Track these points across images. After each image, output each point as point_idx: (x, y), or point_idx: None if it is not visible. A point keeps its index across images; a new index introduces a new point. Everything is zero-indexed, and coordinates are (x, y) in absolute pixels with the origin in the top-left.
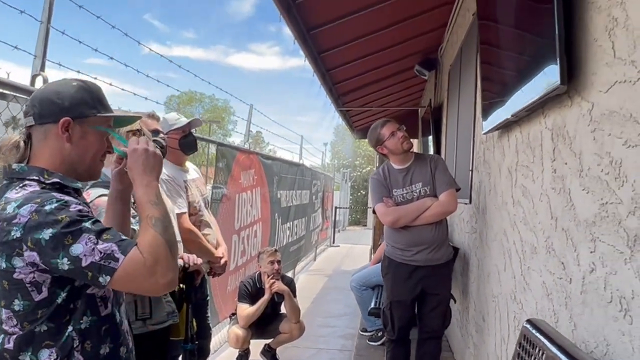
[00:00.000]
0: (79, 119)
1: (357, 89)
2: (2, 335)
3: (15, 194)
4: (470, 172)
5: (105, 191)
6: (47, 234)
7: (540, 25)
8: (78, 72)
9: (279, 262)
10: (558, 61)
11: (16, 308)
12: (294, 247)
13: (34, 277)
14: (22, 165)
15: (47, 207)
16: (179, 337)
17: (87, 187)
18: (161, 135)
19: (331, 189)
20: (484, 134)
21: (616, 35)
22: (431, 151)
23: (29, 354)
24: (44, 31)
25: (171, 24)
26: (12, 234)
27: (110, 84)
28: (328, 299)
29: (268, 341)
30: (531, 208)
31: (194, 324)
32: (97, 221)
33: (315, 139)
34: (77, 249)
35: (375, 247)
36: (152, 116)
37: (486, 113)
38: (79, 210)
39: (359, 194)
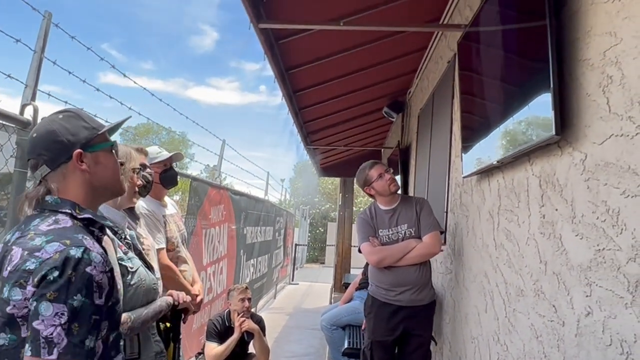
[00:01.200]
0: (86, 146)
1: (325, 127)
2: None
3: (46, 227)
4: (445, 214)
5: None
6: (52, 275)
7: (531, 78)
8: (66, 102)
9: (249, 299)
10: (552, 113)
11: (1, 342)
12: (257, 284)
13: (27, 313)
14: (56, 197)
15: (72, 253)
16: None
17: None
18: (148, 170)
19: (292, 225)
20: (464, 177)
21: (611, 92)
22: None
23: None
24: (37, 60)
25: (130, 54)
26: (28, 264)
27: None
28: (291, 338)
29: None
30: (517, 251)
31: None
32: (92, 303)
33: (273, 175)
34: (47, 309)
35: (336, 286)
36: (141, 150)
37: (465, 157)
38: (89, 278)
39: (318, 231)
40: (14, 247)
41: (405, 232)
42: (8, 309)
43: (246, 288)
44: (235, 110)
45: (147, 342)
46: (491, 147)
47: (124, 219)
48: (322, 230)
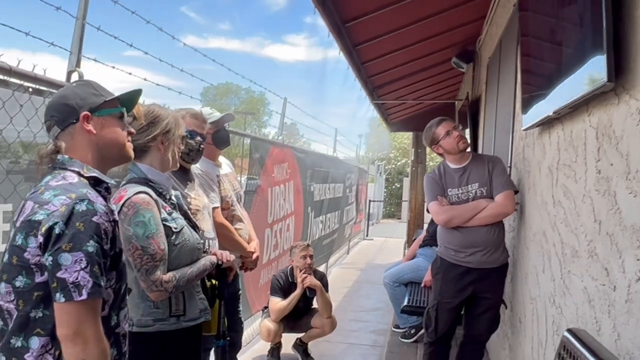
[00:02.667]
0: (93, 110)
1: (392, 81)
2: (2, 315)
3: (55, 182)
4: (509, 169)
5: (141, 188)
6: (59, 227)
7: (587, 18)
8: (113, 67)
9: (311, 256)
10: (605, 57)
11: (17, 284)
12: (326, 240)
13: (39, 260)
14: (66, 157)
15: (77, 207)
16: (210, 333)
17: (123, 183)
18: (198, 138)
19: (365, 181)
20: (524, 130)
21: None
22: None
23: (21, 339)
24: (80, 27)
25: (207, 15)
26: (37, 216)
27: (145, 79)
28: (360, 293)
29: (300, 335)
30: (573, 209)
31: (226, 320)
32: (102, 248)
33: (349, 132)
34: (66, 259)
35: (409, 241)
36: (196, 116)
37: (526, 108)
38: (97, 226)
39: (394, 186)
40: (28, 201)
41: (476, 192)
42: (25, 255)
43: (307, 245)
44: (311, 66)
45: (191, 300)
46: (549, 96)
47: (168, 180)
48: (399, 186)
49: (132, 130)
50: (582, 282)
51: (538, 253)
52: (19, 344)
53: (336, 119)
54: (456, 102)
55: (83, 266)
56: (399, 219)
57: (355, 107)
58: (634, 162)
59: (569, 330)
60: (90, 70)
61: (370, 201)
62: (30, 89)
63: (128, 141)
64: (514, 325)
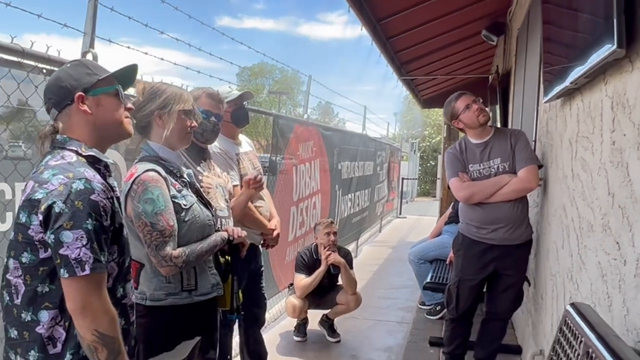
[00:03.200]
0: (88, 90)
1: (420, 56)
2: (9, 290)
3: (54, 162)
4: (534, 143)
5: (151, 166)
6: (58, 206)
7: None
8: (146, 53)
9: (335, 233)
10: (615, 22)
11: (23, 260)
12: (356, 218)
13: (42, 237)
14: (65, 136)
15: (74, 185)
16: (225, 308)
17: (136, 161)
18: (212, 119)
19: (397, 159)
20: (545, 102)
21: None
22: (498, 121)
23: (30, 313)
24: (92, 8)
25: None
26: (37, 195)
27: (175, 63)
28: (390, 271)
29: (326, 311)
30: (590, 182)
31: (240, 295)
32: (101, 225)
33: (383, 109)
34: (67, 236)
35: None
36: (212, 96)
37: (548, 79)
38: (95, 204)
39: (428, 164)
40: (30, 180)
41: (498, 167)
42: (29, 232)
43: (331, 222)
44: (345, 44)
45: (203, 275)
46: (569, 66)
47: (179, 158)
48: (433, 163)
49: (131, 105)
50: (597, 257)
51: (558, 228)
52: (28, 318)
53: (369, 96)
54: (490, 77)
55: (84, 243)
56: (434, 197)
57: (387, 85)
58: None
59: (572, 305)
60: (124, 57)
61: (403, 179)
62: (45, 70)
63: (126, 117)
64: (537, 302)
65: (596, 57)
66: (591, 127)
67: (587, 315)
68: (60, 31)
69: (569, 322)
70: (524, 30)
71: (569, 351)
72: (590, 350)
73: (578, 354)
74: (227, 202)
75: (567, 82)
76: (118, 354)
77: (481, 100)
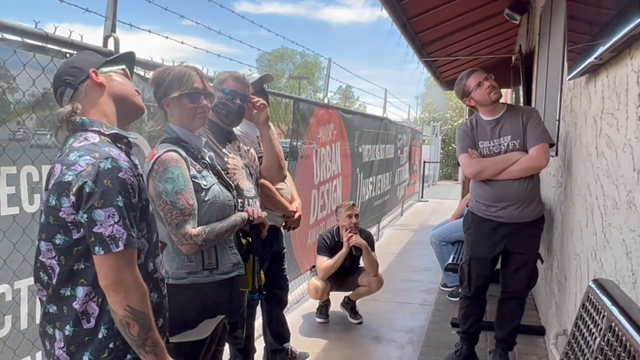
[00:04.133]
0: (98, 69)
1: (442, 37)
2: (46, 271)
3: (78, 144)
4: (557, 123)
5: (172, 147)
6: (89, 186)
7: None
8: (167, 37)
9: (356, 215)
10: None
11: (57, 242)
12: (377, 201)
13: (74, 218)
14: (84, 118)
15: (102, 165)
16: (247, 288)
17: (158, 143)
18: (238, 101)
19: (419, 142)
20: (569, 79)
21: None
22: (521, 102)
23: (69, 289)
24: None
25: None
26: (67, 177)
27: (195, 47)
28: (412, 254)
29: (348, 293)
30: (614, 159)
31: (262, 275)
32: (130, 202)
33: (405, 92)
34: (100, 215)
35: None
36: (237, 78)
37: (572, 56)
38: (123, 181)
39: (450, 147)
40: (56, 164)
41: (508, 144)
42: (60, 214)
43: (353, 205)
44: (365, 27)
45: (223, 253)
46: (593, 41)
47: (199, 139)
48: (455, 146)
49: (137, 88)
50: (621, 235)
51: (582, 207)
52: (68, 293)
53: (391, 80)
54: (513, 57)
55: (116, 220)
56: (456, 180)
57: (409, 68)
58: None
59: (595, 281)
60: (145, 42)
61: (425, 162)
62: (68, 55)
63: (137, 92)
64: (560, 282)
65: (622, 31)
66: (616, 103)
67: (609, 290)
68: (81, 20)
69: (592, 297)
70: (548, 8)
71: (591, 326)
72: (612, 324)
73: (601, 329)
74: (256, 181)
75: (592, 58)
76: (149, 329)
77: (493, 77)
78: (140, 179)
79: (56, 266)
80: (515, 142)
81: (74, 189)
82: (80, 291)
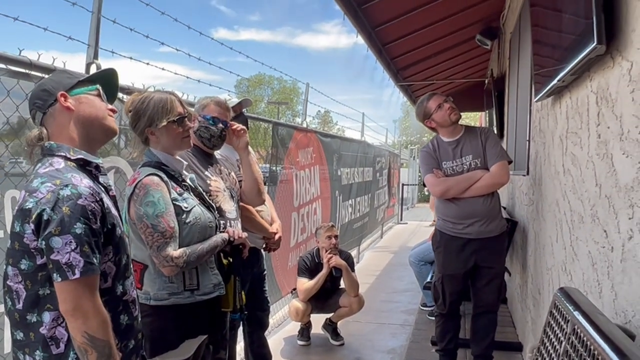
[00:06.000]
0: (69, 90)
1: (417, 62)
2: (11, 296)
3: (43, 170)
4: (528, 143)
5: (152, 170)
6: (47, 214)
7: None
8: (147, 63)
9: (336, 237)
10: (595, 20)
11: (22, 267)
12: (357, 224)
13: (36, 245)
14: (52, 142)
15: (62, 192)
16: (228, 308)
17: (139, 167)
18: (220, 125)
19: (397, 165)
20: (536, 101)
21: None
22: (494, 124)
23: (35, 314)
24: (95, 21)
25: (237, 8)
26: (27, 204)
27: (175, 73)
28: (393, 275)
29: (329, 315)
30: (579, 176)
31: (243, 295)
32: (91, 228)
33: (383, 117)
34: (57, 242)
35: None
36: (219, 104)
37: (539, 81)
38: (83, 208)
39: None
40: (22, 190)
41: (470, 163)
42: (24, 240)
43: (332, 226)
44: (342, 53)
45: (204, 274)
46: (556, 65)
47: (179, 163)
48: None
49: (113, 107)
50: (587, 247)
51: (552, 223)
52: (34, 319)
53: (369, 105)
54: (486, 80)
55: (73, 247)
56: None
57: (385, 92)
58: (626, 123)
59: (561, 289)
60: (126, 69)
61: (403, 185)
62: None
63: (110, 115)
64: (535, 297)
65: (580, 55)
66: (579, 123)
67: (573, 297)
68: (60, 47)
69: (558, 304)
70: (516, 33)
71: (558, 332)
72: (576, 327)
73: (566, 333)
74: (237, 203)
75: (555, 80)
76: (109, 357)
77: (452, 100)
78: (103, 203)
79: (22, 291)
80: (476, 160)
81: (34, 216)
82: (47, 316)
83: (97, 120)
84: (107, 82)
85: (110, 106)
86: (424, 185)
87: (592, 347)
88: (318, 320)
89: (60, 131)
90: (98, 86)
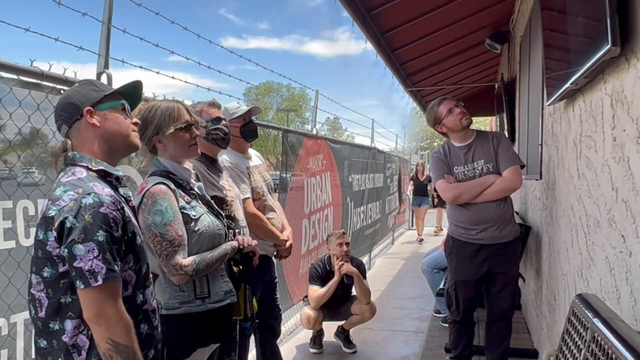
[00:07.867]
0: (95, 105)
1: (426, 67)
2: (34, 304)
3: (65, 179)
4: (540, 147)
5: (160, 179)
6: (69, 221)
7: None
8: (157, 72)
9: (347, 244)
10: (609, 21)
11: (45, 275)
12: (368, 230)
13: (59, 252)
14: (75, 153)
15: (84, 200)
16: (239, 316)
17: (147, 176)
18: (223, 122)
19: (407, 171)
20: (549, 104)
21: None
22: (505, 128)
23: (57, 322)
24: (106, 30)
25: (246, 16)
26: (50, 212)
27: (185, 81)
28: (404, 282)
29: (341, 323)
30: (594, 180)
31: (254, 303)
32: (113, 235)
33: (392, 122)
34: (80, 249)
35: None
36: (213, 104)
37: (550, 82)
38: (105, 216)
39: None
40: (46, 199)
41: (482, 168)
42: (47, 248)
43: (343, 233)
44: (351, 59)
45: (215, 282)
46: (569, 68)
47: (187, 171)
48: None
49: (137, 120)
50: (604, 252)
51: (567, 228)
52: (56, 327)
53: (378, 111)
54: (496, 85)
55: (95, 254)
56: (444, 208)
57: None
58: None
59: (579, 295)
60: (136, 78)
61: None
62: (62, 92)
63: (133, 131)
64: (550, 303)
65: (594, 57)
66: (593, 126)
67: (592, 303)
68: (71, 57)
69: (576, 311)
70: (527, 37)
71: (577, 339)
72: (596, 335)
73: (586, 341)
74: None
75: (568, 84)
76: None
77: (463, 105)
78: (125, 211)
79: (44, 299)
80: (488, 165)
81: (56, 224)
82: (69, 324)
83: (121, 137)
84: (133, 93)
85: (134, 119)
86: (435, 191)
87: (613, 355)
88: (330, 328)
89: (84, 144)
90: (124, 101)
